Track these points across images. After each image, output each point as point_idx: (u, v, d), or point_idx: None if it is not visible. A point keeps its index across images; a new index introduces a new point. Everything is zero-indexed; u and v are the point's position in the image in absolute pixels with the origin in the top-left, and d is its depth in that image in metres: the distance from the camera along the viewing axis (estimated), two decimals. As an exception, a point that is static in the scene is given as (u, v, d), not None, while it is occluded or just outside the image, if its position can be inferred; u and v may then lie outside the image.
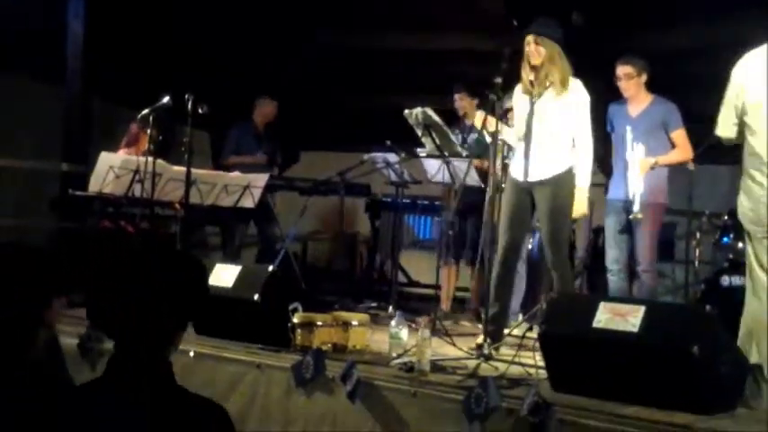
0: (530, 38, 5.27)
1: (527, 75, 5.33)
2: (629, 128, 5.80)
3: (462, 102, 6.97)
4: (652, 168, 5.77)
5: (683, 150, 5.90)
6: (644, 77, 5.97)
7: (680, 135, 5.89)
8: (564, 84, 5.26)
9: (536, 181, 5.29)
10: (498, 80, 5.09)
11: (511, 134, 5.56)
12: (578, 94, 5.31)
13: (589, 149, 5.35)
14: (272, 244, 7.99)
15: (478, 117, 5.44)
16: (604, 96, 6.18)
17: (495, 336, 5.22)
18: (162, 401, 1.87)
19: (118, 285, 1.91)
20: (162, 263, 1.95)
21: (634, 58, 6.00)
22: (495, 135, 5.17)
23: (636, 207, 5.62)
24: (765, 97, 4.11)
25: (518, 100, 5.44)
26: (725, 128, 4.30)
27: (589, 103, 5.35)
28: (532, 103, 5.30)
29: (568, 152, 5.34)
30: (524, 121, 5.31)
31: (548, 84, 5.27)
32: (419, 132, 6.17)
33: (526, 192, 5.34)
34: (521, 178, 5.30)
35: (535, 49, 5.26)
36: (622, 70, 5.97)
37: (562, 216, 5.32)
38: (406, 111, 6.11)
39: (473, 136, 6.89)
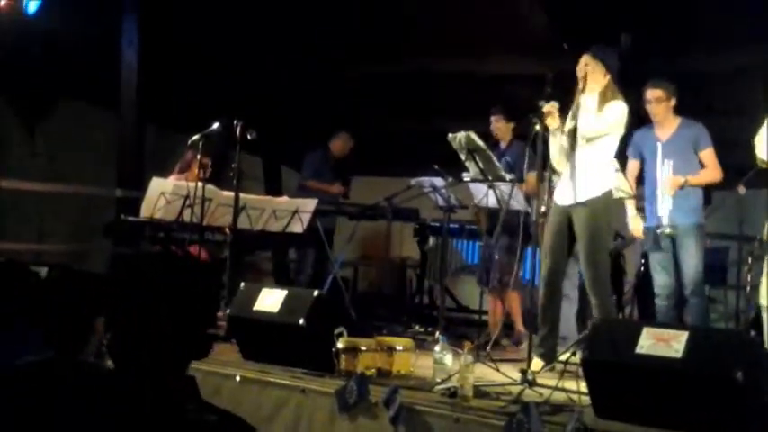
0: (583, 59, 5.34)
1: (577, 96, 5.35)
2: (659, 144, 5.77)
3: (498, 124, 6.97)
4: (681, 188, 5.74)
5: (712, 170, 5.85)
6: (673, 101, 5.93)
7: (709, 155, 5.84)
8: (604, 106, 5.31)
9: (574, 203, 5.31)
10: (541, 103, 5.11)
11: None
12: (614, 113, 5.33)
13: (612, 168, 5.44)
14: (323, 269, 8.09)
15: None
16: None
17: (546, 358, 5.26)
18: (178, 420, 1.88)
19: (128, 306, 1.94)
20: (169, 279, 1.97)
21: (664, 81, 5.96)
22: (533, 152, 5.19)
23: (665, 222, 5.61)
24: None
25: (568, 121, 5.42)
26: (761, 151, 4.31)
27: (620, 124, 5.37)
28: (575, 126, 5.30)
29: (606, 175, 5.36)
30: (569, 144, 5.31)
31: (593, 105, 5.31)
32: (462, 156, 6.19)
33: (565, 214, 5.35)
34: (563, 202, 5.31)
35: (585, 70, 5.31)
36: (653, 94, 5.93)
37: (599, 239, 5.35)
38: (450, 135, 6.14)
39: (506, 159, 6.88)
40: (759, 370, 3.63)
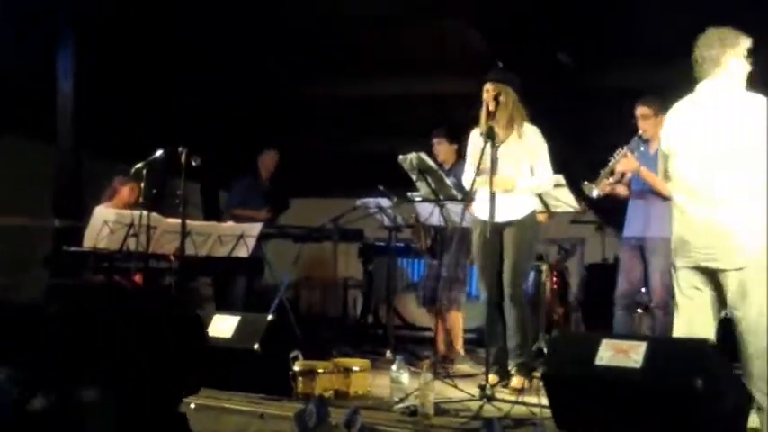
0: (488, 85, 5.44)
1: (485, 121, 5.48)
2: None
3: (441, 146, 6.99)
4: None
5: None
6: (661, 117, 6.02)
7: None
8: (516, 128, 5.45)
9: (504, 222, 5.44)
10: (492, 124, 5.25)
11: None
12: (536, 140, 5.50)
13: (547, 186, 5.70)
14: (261, 294, 8.06)
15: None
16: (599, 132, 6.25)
17: (500, 375, 5.39)
18: None
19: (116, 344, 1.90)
20: (158, 320, 1.95)
21: (651, 98, 6.05)
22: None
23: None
24: (676, 149, 4.30)
25: (476, 143, 5.54)
26: (660, 173, 4.50)
27: (546, 148, 5.52)
28: (495, 148, 5.36)
29: (530, 195, 5.59)
30: (487, 164, 5.40)
31: (502, 128, 5.43)
32: (414, 177, 6.23)
33: (495, 232, 5.44)
34: (488, 219, 5.39)
35: (488, 96, 5.46)
36: (640, 111, 6.04)
37: (525, 252, 5.54)
38: (401, 156, 6.18)
39: (452, 179, 6.93)
40: (718, 377, 3.71)
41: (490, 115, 5.45)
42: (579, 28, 7.85)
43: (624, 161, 5.88)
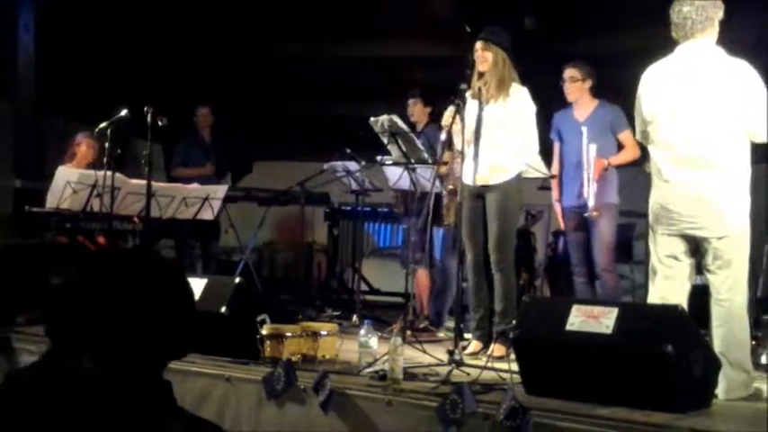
0: (478, 45, 5.36)
1: (476, 81, 5.41)
2: (584, 129, 5.88)
3: (415, 108, 6.96)
4: (605, 170, 5.88)
5: (631, 150, 6.00)
6: (589, 83, 6.08)
7: (627, 136, 5.97)
8: (506, 90, 5.37)
9: (486, 185, 5.38)
10: (463, 86, 5.18)
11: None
12: (524, 102, 5.41)
13: (533, 151, 5.56)
14: (214, 257, 8.01)
15: (448, 114, 5.43)
16: (555, 99, 6.26)
17: (484, 340, 5.40)
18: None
19: (96, 300, 1.83)
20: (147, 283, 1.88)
21: (582, 62, 6.09)
22: (449, 137, 5.22)
23: (591, 204, 5.76)
24: (659, 111, 4.28)
25: (468, 105, 5.49)
26: (639, 134, 4.47)
27: (535, 111, 5.45)
28: (481, 109, 5.35)
29: (516, 158, 5.45)
30: (473, 125, 5.36)
31: (493, 90, 5.36)
32: (385, 140, 6.18)
33: (478, 196, 5.41)
34: (471, 182, 5.36)
35: (482, 56, 5.37)
36: (569, 73, 6.09)
37: (510, 222, 5.48)
38: (372, 118, 6.13)
39: (420, 142, 6.89)
40: (687, 342, 3.73)
41: (480, 76, 5.39)
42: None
43: (596, 166, 5.85)
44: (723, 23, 4.28)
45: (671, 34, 4.30)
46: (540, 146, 5.69)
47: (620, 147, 6.06)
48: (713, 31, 4.24)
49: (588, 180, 5.83)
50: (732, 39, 4.32)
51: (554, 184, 6.26)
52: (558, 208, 6.28)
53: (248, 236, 8.23)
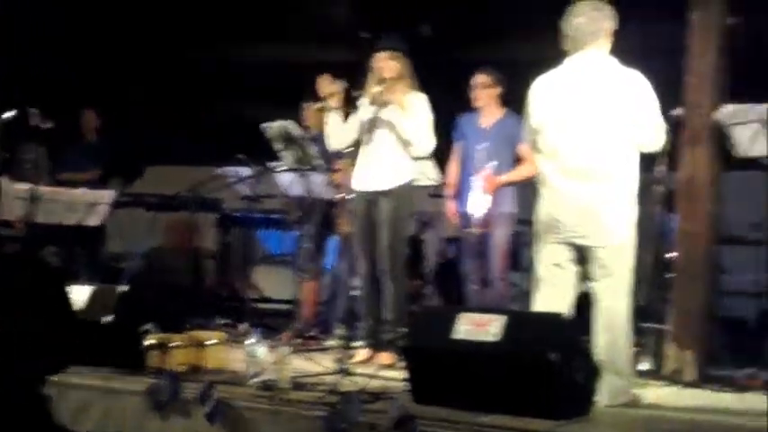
0: (382, 53, 5.37)
1: (373, 87, 5.44)
2: (485, 144, 5.91)
3: (309, 111, 6.93)
4: (499, 188, 5.94)
5: (530, 164, 6.04)
6: (498, 90, 6.10)
7: (528, 149, 6.03)
8: (404, 97, 5.41)
9: (379, 191, 5.39)
10: (356, 93, 5.29)
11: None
12: (421, 109, 5.44)
13: (427, 159, 5.71)
14: (100, 264, 7.83)
15: (312, 113, 5.44)
16: (449, 106, 6.30)
17: (374, 348, 5.41)
18: None
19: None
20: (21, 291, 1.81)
21: (492, 69, 6.12)
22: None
23: (474, 220, 5.85)
24: (547, 121, 4.34)
25: (364, 110, 5.50)
26: (526, 144, 4.55)
27: (432, 118, 5.48)
28: (377, 115, 5.37)
29: (409, 165, 5.48)
30: (368, 131, 5.37)
31: (394, 97, 5.37)
32: (278, 146, 6.13)
33: (370, 202, 5.42)
34: (363, 188, 5.37)
35: (385, 64, 5.38)
36: (479, 79, 6.09)
37: (401, 229, 5.49)
38: (264, 124, 6.07)
39: (315, 148, 6.88)
40: (571, 350, 3.79)
41: (380, 82, 5.40)
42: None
43: (490, 184, 5.90)
44: (618, 32, 4.36)
45: (562, 46, 4.37)
46: (437, 153, 5.74)
47: (520, 158, 6.10)
48: (606, 42, 4.32)
49: (476, 198, 5.85)
50: (626, 48, 4.40)
51: (450, 183, 6.24)
52: (452, 208, 6.27)
53: (136, 242, 8.06)
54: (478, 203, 5.87)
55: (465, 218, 6.08)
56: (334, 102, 5.49)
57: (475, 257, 6.05)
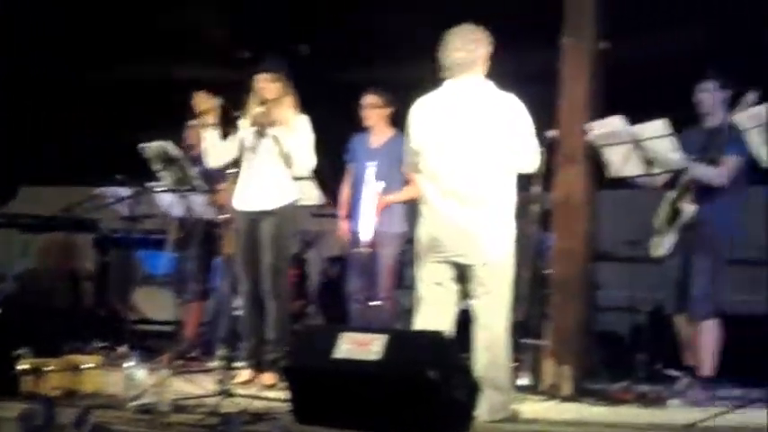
0: (264, 75, 5.38)
1: (254, 107, 5.45)
2: (374, 163, 5.94)
3: (192, 131, 6.85)
4: (386, 207, 5.98)
5: (416, 186, 6.11)
6: (388, 110, 6.15)
7: (408, 170, 6.09)
8: (286, 118, 5.43)
9: (262, 210, 5.41)
10: (237, 113, 5.32)
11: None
12: (302, 130, 5.48)
13: (308, 177, 5.71)
14: None
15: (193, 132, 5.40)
16: (328, 125, 6.33)
17: (256, 369, 5.37)
18: None
19: None
20: None
21: (382, 90, 6.17)
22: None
23: (363, 240, 5.86)
24: (427, 144, 4.42)
25: (244, 131, 5.49)
26: (407, 165, 4.66)
27: (313, 138, 5.51)
28: (258, 136, 5.37)
29: (291, 185, 5.52)
30: (249, 151, 5.38)
31: (276, 119, 5.39)
32: (157, 167, 6.04)
33: (253, 221, 5.42)
34: (246, 208, 5.35)
35: (267, 86, 5.41)
36: (369, 99, 6.14)
37: (284, 249, 5.50)
38: (142, 144, 5.98)
39: (195, 169, 6.81)
40: (450, 368, 3.83)
41: (262, 103, 5.41)
42: (320, 21, 7.94)
43: (378, 204, 5.94)
44: (502, 55, 4.45)
45: (440, 74, 4.44)
46: (317, 173, 5.74)
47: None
48: (483, 67, 4.41)
49: (365, 216, 5.88)
50: (510, 71, 4.48)
51: (343, 203, 6.24)
52: (344, 227, 6.26)
53: (9, 264, 7.82)
54: (367, 223, 5.89)
55: (355, 237, 6.10)
56: (210, 118, 5.45)
57: (361, 276, 6.07)
